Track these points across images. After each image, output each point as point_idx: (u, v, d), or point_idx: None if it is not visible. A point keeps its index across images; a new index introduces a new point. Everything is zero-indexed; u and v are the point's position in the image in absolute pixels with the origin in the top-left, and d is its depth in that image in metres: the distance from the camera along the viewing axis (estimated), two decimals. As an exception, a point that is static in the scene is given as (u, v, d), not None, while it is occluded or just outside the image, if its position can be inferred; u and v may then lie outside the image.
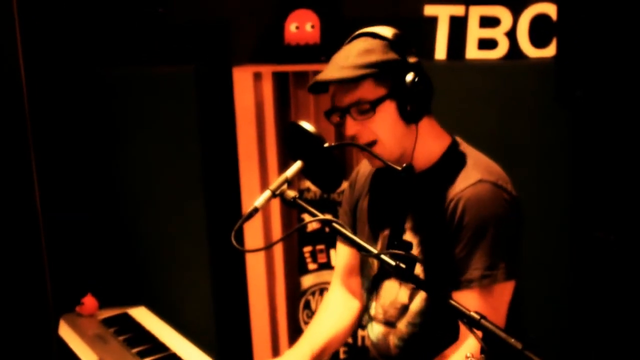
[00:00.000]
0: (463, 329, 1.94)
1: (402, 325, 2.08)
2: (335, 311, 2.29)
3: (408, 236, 2.04)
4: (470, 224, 1.93)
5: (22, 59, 3.30)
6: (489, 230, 1.92)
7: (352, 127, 1.96)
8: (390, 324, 2.11)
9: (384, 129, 1.94)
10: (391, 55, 1.92)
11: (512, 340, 1.44)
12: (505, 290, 1.96)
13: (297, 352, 2.14)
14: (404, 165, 1.76)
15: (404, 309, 2.07)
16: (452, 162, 2.02)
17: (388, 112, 1.94)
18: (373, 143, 1.96)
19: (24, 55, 3.31)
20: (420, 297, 2.04)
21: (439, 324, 2.00)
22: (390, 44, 1.93)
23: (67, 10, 3.46)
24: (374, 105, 1.92)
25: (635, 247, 2.74)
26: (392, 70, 1.91)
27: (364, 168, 2.27)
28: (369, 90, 1.92)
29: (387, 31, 1.95)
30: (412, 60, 1.93)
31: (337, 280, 2.34)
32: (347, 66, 1.90)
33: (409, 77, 1.91)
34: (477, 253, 1.93)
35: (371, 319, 2.18)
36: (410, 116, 1.94)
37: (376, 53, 1.91)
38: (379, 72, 1.90)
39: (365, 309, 2.23)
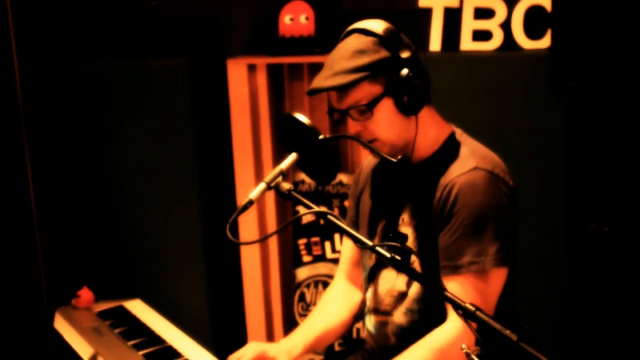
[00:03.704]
0: (452, 314, 1.95)
1: (400, 314, 2.09)
2: (335, 302, 2.30)
3: (405, 226, 2.06)
4: (462, 210, 1.94)
5: (16, 52, 3.29)
6: (480, 217, 1.93)
7: (353, 127, 1.99)
8: (386, 313, 2.12)
9: (383, 127, 1.97)
10: (383, 54, 1.93)
11: (508, 332, 1.45)
12: (494, 278, 1.96)
13: (291, 340, 2.16)
14: (399, 157, 1.77)
15: (401, 296, 2.08)
16: (451, 151, 2.03)
17: (386, 109, 1.96)
18: (374, 141, 1.99)
19: (17, 48, 3.30)
20: (417, 284, 2.05)
21: (436, 311, 2.00)
22: (381, 40, 1.94)
23: (60, 4, 3.45)
24: (370, 106, 1.95)
25: (629, 239, 2.75)
26: (385, 69, 1.93)
27: (367, 162, 2.29)
28: (364, 92, 1.94)
29: (378, 26, 1.96)
30: (404, 54, 1.94)
31: (341, 271, 2.35)
32: (340, 71, 1.92)
33: (403, 72, 1.92)
34: (467, 239, 1.93)
35: (368, 309, 2.19)
36: (408, 109, 1.95)
37: (368, 54, 1.92)
38: (372, 73, 1.92)
39: (363, 300, 2.24)
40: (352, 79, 1.91)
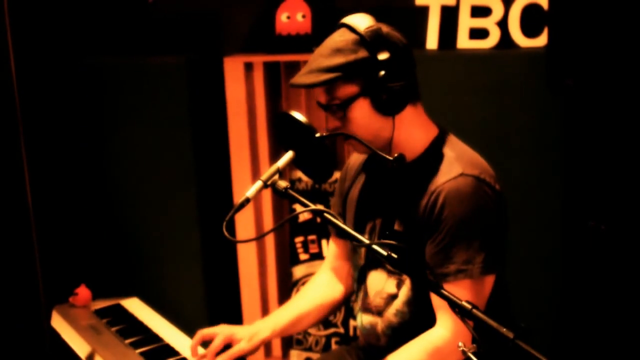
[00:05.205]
0: (441, 318, 1.96)
1: (391, 315, 2.09)
2: (313, 291, 2.33)
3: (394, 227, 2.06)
4: (448, 218, 1.92)
5: (12, 49, 3.29)
6: (466, 225, 1.92)
7: (331, 122, 1.99)
8: (377, 313, 2.12)
9: (358, 126, 1.95)
10: (360, 54, 1.91)
11: (504, 329, 1.45)
12: (481, 285, 1.95)
13: (261, 324, 2.21)
14: (396, 155, 1.77)
15: (391, 298, 2.08)
16: (436, 154, 2.01)
17: (362, 109, 1.94)
18: (352, 138, 1.97)
19: (14, 45, 3.29)
20: (407, 286, 2.05)
21: (426, 313, 2.00)
22: (361, 39, 1.91)
23: (57, 1, 3.45)
24: (343, 106, 1.94)
25: (627, 237, 2.75)
26: (360, 70, 1.91)
27: (354, 159, 2.27)
28: (339, 92, 1.93)
29: (362, 24, 1.93)
30: (382, 56, 1.91)
31: (326, 264, 2.38)
32: (315, 69, 1.92)
33: (379, 74, 1.90)
34: (454, 247, 1.92)
35: (359, 308, 2.20)
36: (385, 110, 1.94)
37: (344, 53, 1.90)
38: (345, 74, 1.90)
39: (354, 299, 2.25)
40: (324, 79, 1.90)
